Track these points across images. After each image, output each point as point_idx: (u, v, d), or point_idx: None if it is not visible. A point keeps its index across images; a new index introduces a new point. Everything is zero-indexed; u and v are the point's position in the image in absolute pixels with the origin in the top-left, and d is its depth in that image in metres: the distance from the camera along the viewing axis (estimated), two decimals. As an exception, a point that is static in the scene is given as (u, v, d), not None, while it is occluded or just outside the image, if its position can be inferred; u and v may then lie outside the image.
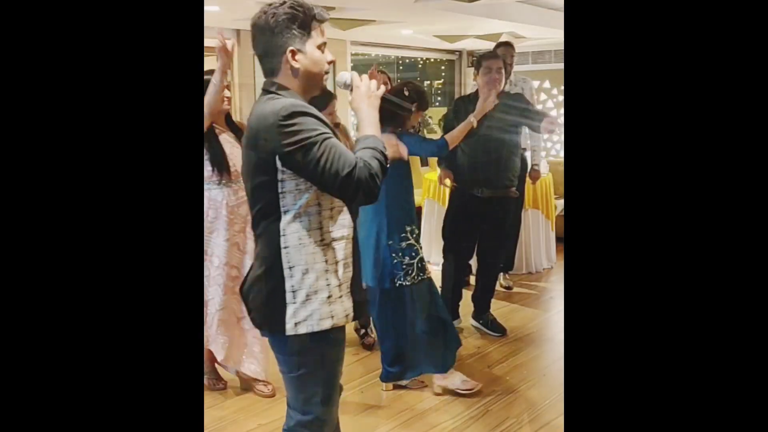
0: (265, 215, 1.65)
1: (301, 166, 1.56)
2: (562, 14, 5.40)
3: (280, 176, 1.59)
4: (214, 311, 2.88)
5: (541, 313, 4.28)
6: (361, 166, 1.56)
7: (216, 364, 3.10)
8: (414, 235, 2.98)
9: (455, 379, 3.05)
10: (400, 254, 2.92)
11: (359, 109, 1.70)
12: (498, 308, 4.29)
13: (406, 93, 2.94)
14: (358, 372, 3.33)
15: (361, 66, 6.81)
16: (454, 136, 3.10)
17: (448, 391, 3.06)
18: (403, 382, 3.13)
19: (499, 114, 3.34)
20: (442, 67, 8.07)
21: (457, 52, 7.11)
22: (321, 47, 1.66)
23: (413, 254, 2.95)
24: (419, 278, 2.97)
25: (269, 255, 1.64)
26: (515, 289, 4.74)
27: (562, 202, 5.88)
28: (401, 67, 9.49)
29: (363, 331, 3.72)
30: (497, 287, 4.65)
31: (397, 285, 2.93)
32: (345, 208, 1.70)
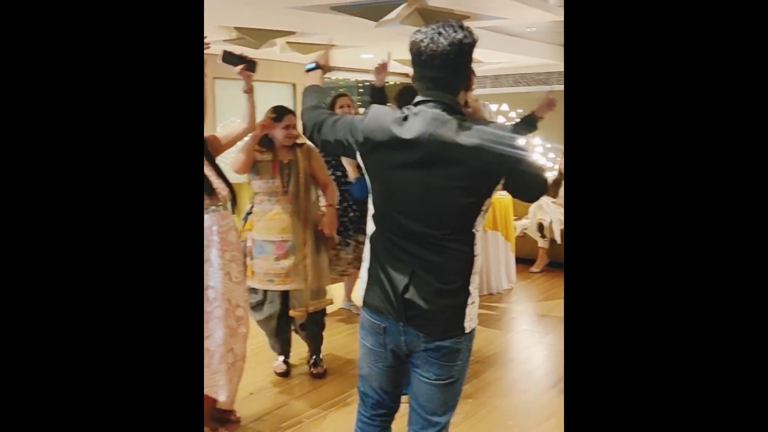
0: (456, 232, 1.68)
1: (523, 181, 1.68)
2: (519, 40, 5.54)
3: (490, 194, 1.67)
4: (215, 348, 2.55)
5: (503, 333, 4.31)
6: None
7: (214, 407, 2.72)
8: None
9: None
10: None
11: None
12: (460, 330, 4.30)
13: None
14: (318, 399, 3.29)
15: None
16: None
17: None
18: None
19: None
20: (403, 90, 8.14)
21: (416, 76, 7.24)
22: None
23: None
24: None
25: (460, 267, 1.71)
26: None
27: (521, 223, 5.96)
28: (361, 90, 9.55)
29: (313, 359, 3.52)
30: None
31: None
32: None
